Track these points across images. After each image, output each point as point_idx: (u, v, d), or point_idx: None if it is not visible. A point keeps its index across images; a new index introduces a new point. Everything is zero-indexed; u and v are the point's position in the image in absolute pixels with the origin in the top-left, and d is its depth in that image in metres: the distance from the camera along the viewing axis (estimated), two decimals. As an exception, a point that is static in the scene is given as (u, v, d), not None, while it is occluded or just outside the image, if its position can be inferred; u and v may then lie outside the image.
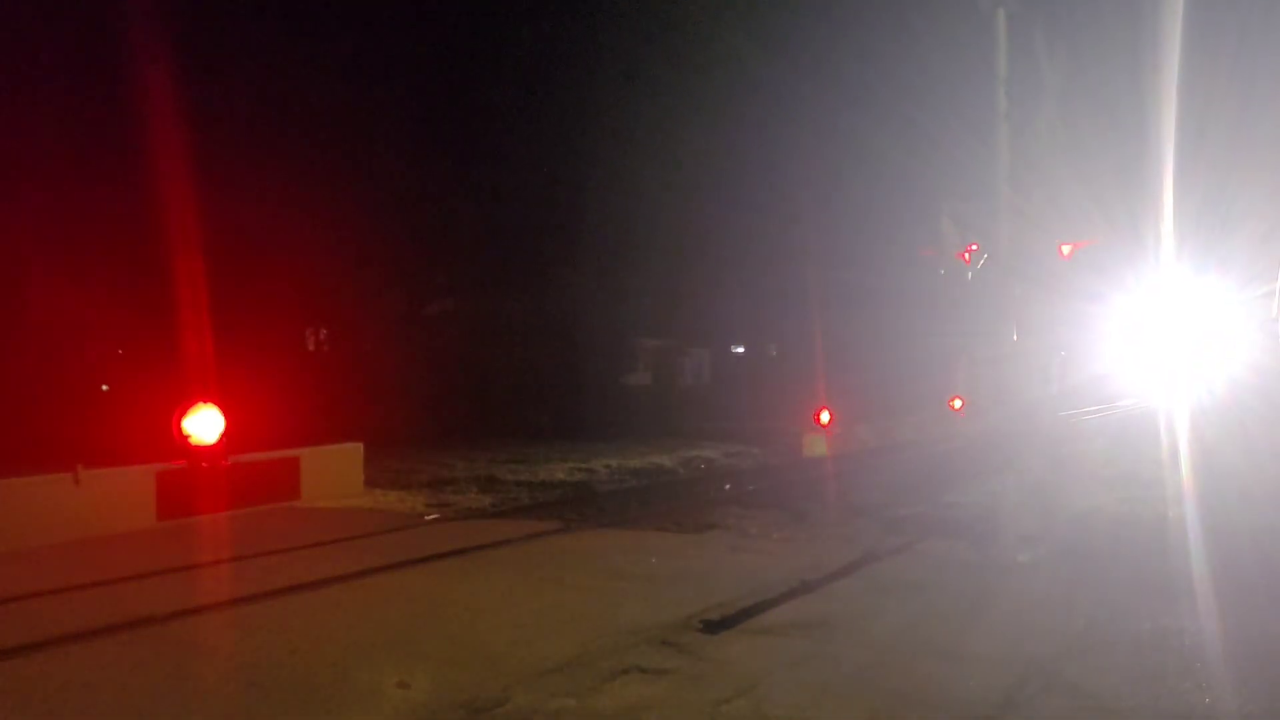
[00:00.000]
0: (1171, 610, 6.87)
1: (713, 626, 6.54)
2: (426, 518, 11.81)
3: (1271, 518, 10.50)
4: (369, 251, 25.34)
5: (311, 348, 26.73)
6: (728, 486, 15.10)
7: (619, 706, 5.06)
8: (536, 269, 30.24)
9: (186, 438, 10.49)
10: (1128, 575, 8.04)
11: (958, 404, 25.36)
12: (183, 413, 10.47)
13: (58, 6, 20.02)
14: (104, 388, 19.35)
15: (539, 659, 5.80)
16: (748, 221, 30.31)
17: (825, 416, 19.86)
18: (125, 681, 5.50)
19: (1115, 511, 11.30)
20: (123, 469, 10.87)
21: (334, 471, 13.23)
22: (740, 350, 40.59)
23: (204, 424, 10.52)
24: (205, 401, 10.56)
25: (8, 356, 18.16)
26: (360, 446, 13.70)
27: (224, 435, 10.66)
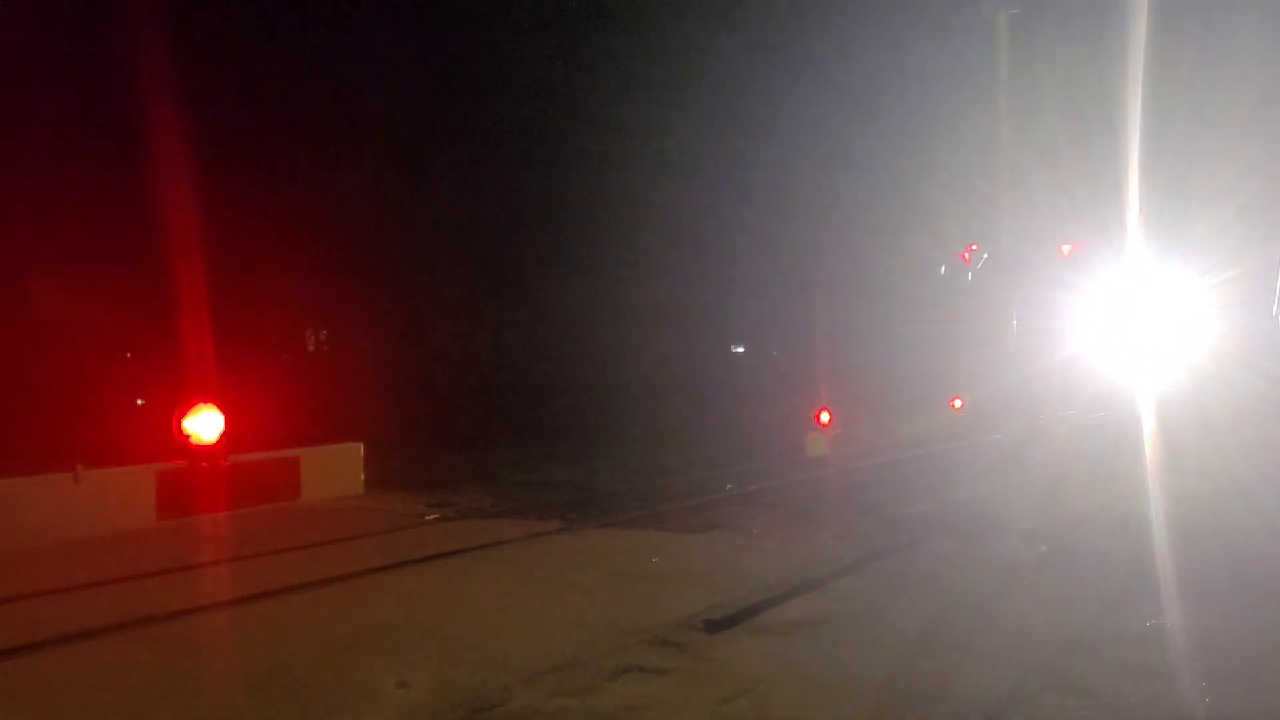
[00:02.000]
0: (1171, 608, 6.86)
1: (714, 626, 6.52)
2: (427, 517, 11.79)
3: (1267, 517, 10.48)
4: (370, 252, 25.35)
5: (311, 348, 26.71)
6: (729, 486, 15.07)
7: (620, 706, 5.05)
8: (538, 269, 30.27)
9: (186, 437, 10.52)
10: (1127, 573, 8.03)
11: (958, 403, 25.34)
12: (183, 413, 10.48)
13: (63, 8, 20.05)
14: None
15: (539, 659, 5.78)
16: (748, 220, 30.32)
17: (826, 416, 19.86)
18: (125, 681, 5.49)
19: (1116, 510, 11.27)
20: (122, 469, 10.84)
21: (334, 471, 13.20)
22: (740, 350, 40.59)
23: (204, 424, 10.55)
24: (205, 401, 10.58)
25: (6, 355, 18.15)
26: (360, 446, 13.67)
27: (224, 435, 10.69)
